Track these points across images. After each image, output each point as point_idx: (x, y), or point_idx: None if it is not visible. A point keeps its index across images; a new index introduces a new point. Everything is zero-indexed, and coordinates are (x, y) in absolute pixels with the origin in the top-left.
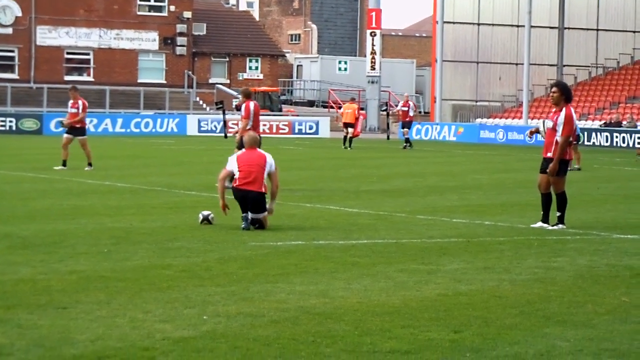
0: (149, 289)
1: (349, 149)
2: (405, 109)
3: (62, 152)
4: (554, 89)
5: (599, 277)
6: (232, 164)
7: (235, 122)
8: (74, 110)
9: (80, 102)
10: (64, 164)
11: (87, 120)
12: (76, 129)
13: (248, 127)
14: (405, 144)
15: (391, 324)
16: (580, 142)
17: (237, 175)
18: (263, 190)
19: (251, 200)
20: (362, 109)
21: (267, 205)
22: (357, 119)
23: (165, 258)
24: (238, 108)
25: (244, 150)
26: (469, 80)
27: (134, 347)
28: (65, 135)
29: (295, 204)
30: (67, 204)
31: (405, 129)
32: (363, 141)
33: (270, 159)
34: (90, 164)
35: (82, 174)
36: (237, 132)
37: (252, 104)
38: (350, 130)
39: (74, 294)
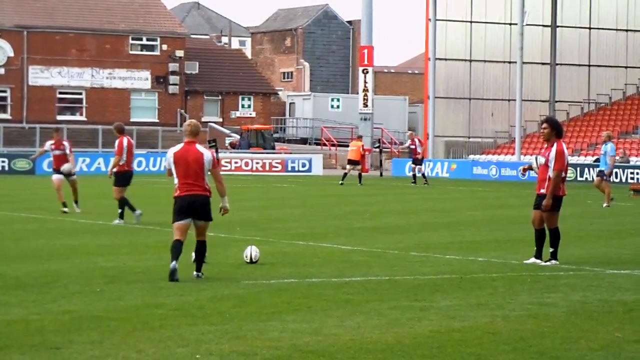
0: (142, 328)
1: (358, 185)
2: (413, 146)
3: (59, 195)
4: (544, 125)
5: (592, 313)
6: (169, 163)
7: (229, 160)
8: (59, 152)
9: (65, 143)
10: (65, 205)
11: (80, 159)
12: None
13: (121, 162)
14: (412, 181)
15: None
16: (606, 179)
17: (176, 182)
18: (208, 194)
19: (199, 206)
20: None
21: (220, 206)
22: (363, 156)
23: (158, 297)
24: (232, 146)
25: (181, 145)
26: (462, 116)
27: None
28: (56, 176)
29: (289, 241)
30: (60, 244)
31: (417, 166)
32: (356, 178)
33: (208, 156)
34: (76, 202)
35: (73, 214)
36: (111, 169)
37: (125, 140)
38: (357, 167)
39: (67, 334)
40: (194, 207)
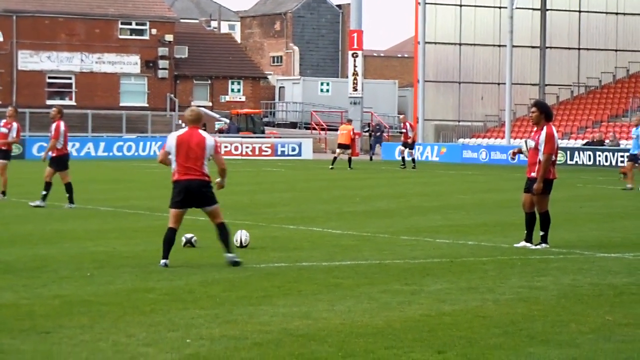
0: (132, 313)
1: (348, 169)
2: (404, 130)
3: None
4: (533, 109)
5: (583, 296)
6: (170, 146)
7: (218, 144)
8: (4, 131)
9: (15, 124)
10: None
11: (70, 144)
12: (4, 152)
13: (59, 146)
14: (402, 164)
15: (375, 345)
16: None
17: (174, 166)
18: (206, 178)
19: (196, 190)
20: None
21: (217, 181)
22: (353, 140)
23: (148, 281)
24: (221, 131)
25: (185, 129)
26: (451, 100)
27: None
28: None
29: (278, 225)
30: (49, 229)
31: (407, 149)
32: (346, 162)
33: (210, 141)
34: (4, 193)
35: (64, 199)
36: (47, 152)
37: (62, 124)
38: (347, 150)
39: (57, 319)
40: (191, 192)
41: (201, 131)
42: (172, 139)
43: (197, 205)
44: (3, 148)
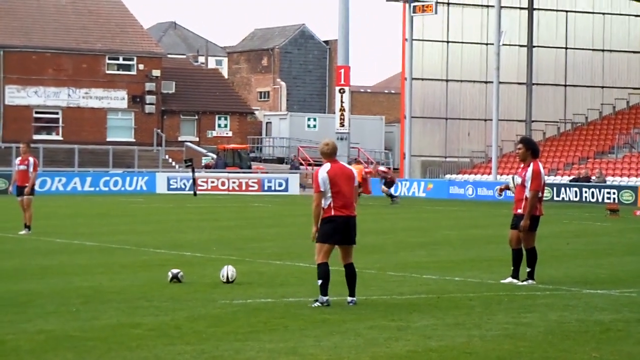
0: (118, 348)
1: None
2: (388, 175)
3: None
4: (519, 146)
5: (569, 333)
6: (325, 184)
7: (205, 179)
8: (23, 168)
9: (31, 159)
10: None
11: (56, 179)
12: (25, 188)
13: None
14: (392, 201)
15: None
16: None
17: (329, 202)
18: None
19: (352, 227)
20: None
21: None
22: (364, 179)
23: (134, 317)
24: (208, 167)
25: (327, 165)
26: (438, 136)
27: None
28: (19, 197)
29: (265, 261)
30: (36, 264)
31: (388, 188)
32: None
33: (355, 173)
34: (28, 227)
35: (50, 233)
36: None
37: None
38: (359, 189)
39: (43, 354)
40: (349, 229)
41: (344, 163)
42: (323, 177)
43: (342, 242)
44: (27, 184)
